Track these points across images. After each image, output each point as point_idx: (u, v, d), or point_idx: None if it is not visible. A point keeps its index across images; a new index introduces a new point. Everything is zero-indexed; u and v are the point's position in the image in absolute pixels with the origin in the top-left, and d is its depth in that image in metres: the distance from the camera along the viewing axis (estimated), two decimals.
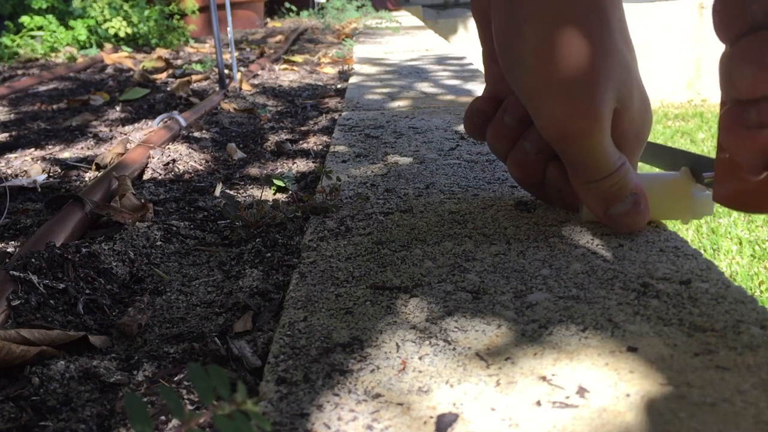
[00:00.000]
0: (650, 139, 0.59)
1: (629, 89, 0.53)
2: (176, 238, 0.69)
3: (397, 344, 0.42)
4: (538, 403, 0.36)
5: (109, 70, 2.16)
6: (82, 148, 1.16)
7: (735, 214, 2.25)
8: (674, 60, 4.65)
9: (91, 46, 2.77)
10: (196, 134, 1.16)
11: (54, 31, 2.75)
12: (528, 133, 0.57)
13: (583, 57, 0.50)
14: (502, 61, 0.54)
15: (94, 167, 1.02)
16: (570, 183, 0.56)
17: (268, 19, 4.17)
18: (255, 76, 1.86)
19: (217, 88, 1.60)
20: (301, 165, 0.98)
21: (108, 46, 2.77)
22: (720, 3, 0.40)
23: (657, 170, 0.61)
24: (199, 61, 2.23)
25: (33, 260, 0.56)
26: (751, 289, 1.77)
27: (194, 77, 1.85)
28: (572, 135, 0.52)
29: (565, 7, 0.51)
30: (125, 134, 1.21)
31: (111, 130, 1.27)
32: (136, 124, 1.30)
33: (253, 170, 0.96)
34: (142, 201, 0.79)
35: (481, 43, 0.62)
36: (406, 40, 2.51)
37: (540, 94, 0.52)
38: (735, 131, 0.41)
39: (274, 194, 0.84)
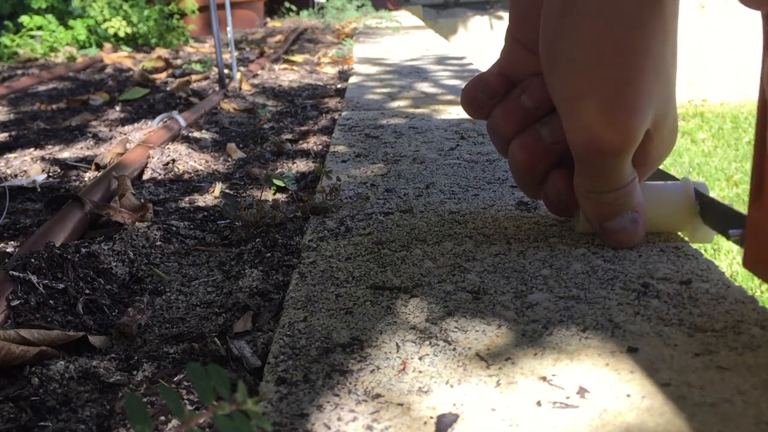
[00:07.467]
0: None
1: (666, 111, 0.50)
2: (176, 238, 0.69)
3: (397, 344, 0.42)
4: (539, 404, 0.36)
5: (109, 70, 2.16)
6: (81, 148, 1.16)
7: None
8: None
9: (90, 46, 2.77)
10: (196, 134, 1.16)
11: (53, 31, 2.75)
12: (549, 120, 0.54)
13: (638, 69, 0.46)
14: (544, 52, 0.50)
15: (93, 167, 1.02)
16: (572, 193, 0.54)
17: (268, 19, 4.17)
18: (255, 75, 1.86)
19: (217, 88, 1.60)
20: (301, 165, 0.98)
21: (107, 45, 2.76)
22: None
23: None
24: (199, 61, 2.23)
25: (32, 260, 0.56)
26: (751, 290, 1.77)
27: (194, 77, 1.85)
28: (602, 149, 0.48)
29: (631, 7, 0.46)
30: (125, 134, 1.21)
31: (111, 130, 1.27)
32: (135, 124, 1.30)
33: (253, 170, 0.96)
34: (142, 201, 0.79)
35: (509, 18, 0.57)
36: (406, 40, 2.50)
37: (582, 98, 0.47)
38: None
39: (274, 194, 0.84)
